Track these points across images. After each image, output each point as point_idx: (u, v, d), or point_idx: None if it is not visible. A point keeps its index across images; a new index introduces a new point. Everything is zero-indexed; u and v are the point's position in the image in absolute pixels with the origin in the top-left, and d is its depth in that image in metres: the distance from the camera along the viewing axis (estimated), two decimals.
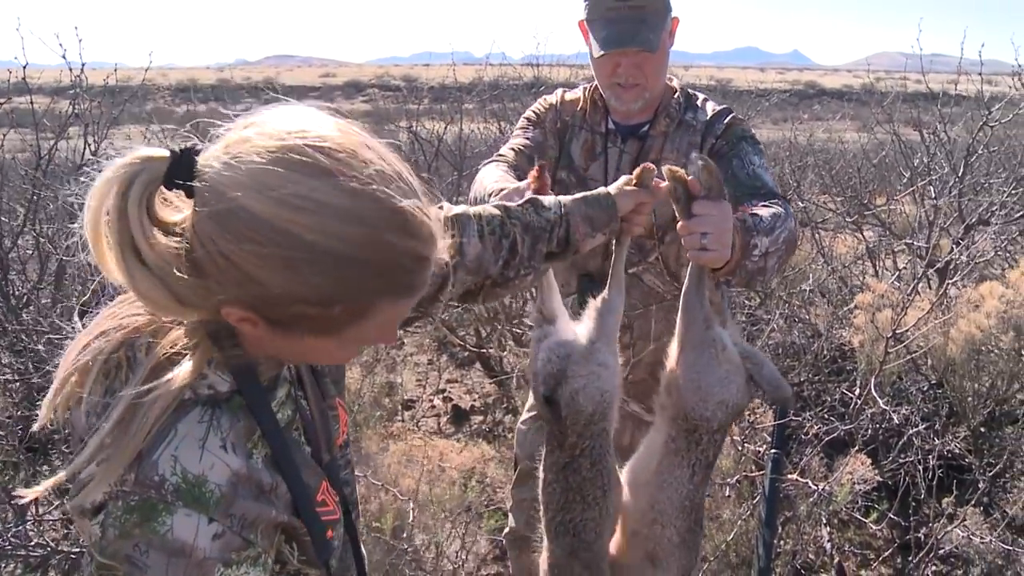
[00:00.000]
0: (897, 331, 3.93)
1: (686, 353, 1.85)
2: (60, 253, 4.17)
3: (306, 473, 1.17)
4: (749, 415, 4.03)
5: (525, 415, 2.72)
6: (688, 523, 1.90)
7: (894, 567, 3.73)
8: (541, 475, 1.91)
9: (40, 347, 3.63)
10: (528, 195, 1.79)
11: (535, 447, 2.06)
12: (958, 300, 4.54)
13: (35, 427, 1.09)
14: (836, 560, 3.64)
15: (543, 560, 1.95)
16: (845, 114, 13.55)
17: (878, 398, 3.85)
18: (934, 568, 3.60)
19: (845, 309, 5.12)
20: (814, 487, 3.46)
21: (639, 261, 2.38)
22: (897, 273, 5.49)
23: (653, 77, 2.29)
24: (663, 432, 1.90)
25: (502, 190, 1.97)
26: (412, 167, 1.07)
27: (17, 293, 4.13)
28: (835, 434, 3.90)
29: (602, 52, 2.22)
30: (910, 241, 5.77)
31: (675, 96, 2.41)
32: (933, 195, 5.62)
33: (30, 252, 4.49)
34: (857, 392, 4.23)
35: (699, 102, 2.42)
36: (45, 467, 3.48)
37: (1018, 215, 5.57)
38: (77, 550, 2.81)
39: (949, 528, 3.48)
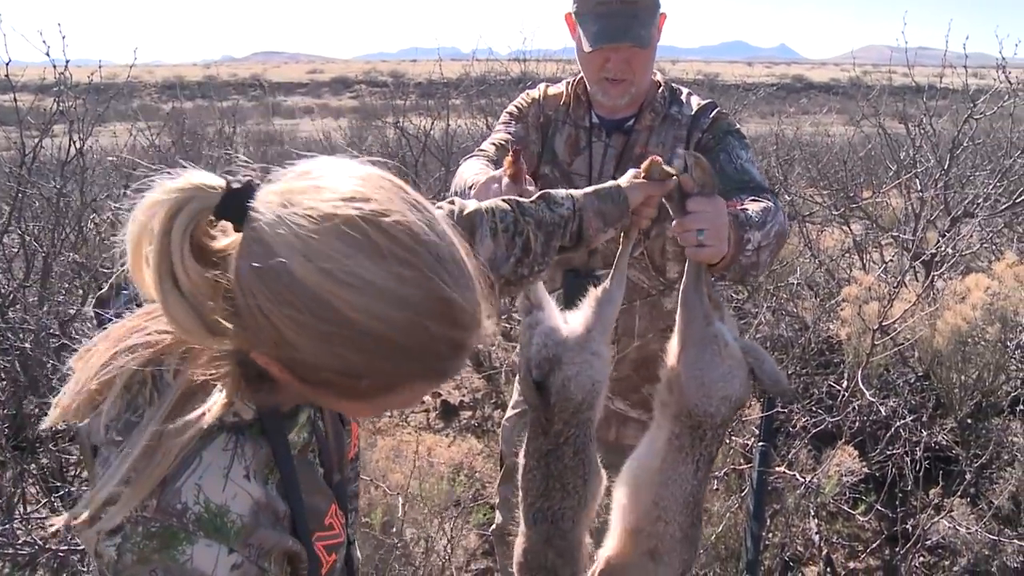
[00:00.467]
0: (884, 323, 3.95)
1: (688, 350, 1.85)
2: (45, 251, 4.15)
3: (317, 497, 1.17)
4: None
5: (511, 411, 2.71)
6: (691, 519, 1.90)
7: (882, 558, 3.76)
8: (522, 461, 1.90)
9: (27, 345, 3.62)
10: (505, 181, 1.78)
11: (521, 443, 2.06)
12: (944, 292, 4.57)
13: (43, 425, 1.08)
14: (824, 552, 3.66)
15: (518, 544, 1.95)
16: (832, 107, 13.62)
17: (865, 390, 3.87)
18: (921, 559, 3.63)
19: (832, 302, 5.14)
20: (802, 479, 3.48)
21: None
22: (884, 266, 5.52)
23: (641, 72, 2.29)
24: (666, 429, 1.90)
25: (483, 182, 1.96)
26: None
27: (3, 291, 4.10)
28: (823, 426, 3.92)
29: (593, 48, 2.21)
30: (897, 234, 5.80)
31: (660, 91, 2.40)
32: (919, 188, 5.65)
33: (16, 250, 4.46)
34: (844, 384, 4.25)
35: (684, 96, 2.42)
36: (33, 465, 3.47)
37: (1003, 207, 5.60)
38: (65, 548, 2.80)
39: (936, 519, 3.50)
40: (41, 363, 3.60)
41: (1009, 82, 5.42)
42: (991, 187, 5.52)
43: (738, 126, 2.37)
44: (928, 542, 3.52)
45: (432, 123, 7.56)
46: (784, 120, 9.00)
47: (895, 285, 4.44)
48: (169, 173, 0.99)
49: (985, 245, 5.96)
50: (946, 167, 5.43)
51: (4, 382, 3.83)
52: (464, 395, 5.62)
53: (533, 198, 1.60)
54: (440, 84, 8.30)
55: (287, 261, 0.90)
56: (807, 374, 4.91)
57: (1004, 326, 4.14)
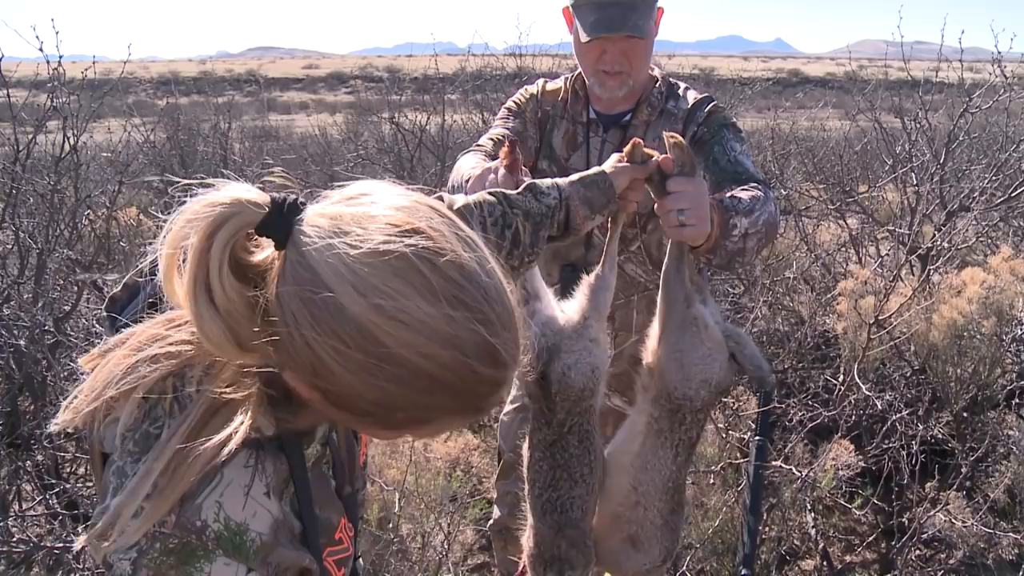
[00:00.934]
0: (880, 317, 3.95)
1: (668, 332, 1.84)
2: (40, 247, 4.13)
3: (329, 510, 1.16)
4: (733, 402, 4.05)
5: (508, 407, 2.71)
6: (671, 504, 1.90)
7: (878, 552, 3.76)
8: (527, 454, 1.90)
9: (22, 343, 3.61)
10: (501, 172, 1.78)
11: (518, 438, 2.06)
12: (940, 286, 4.57)
13: (52, 427, 1.05)
14: (821, 546, 3.67)
15: (528, 537, 1.95)
16: (828, 102, 13.61)
17: (861, 384, 3.87)
18: (918, 552, 3.63)
19: (828, 296, 5.14)
20: (798, 473, 3.48)
21: (621, 251, 2.37)
22: (880, 260, 5.51)
23: (638, 65, 2.29)
24: (645, 413, 1.89)
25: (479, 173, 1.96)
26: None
27: None
28: (819, 420, 3.92)
29: (590, 37, 2.20)
30: (892, 228, 5.80)
31: (657, 85, 2.40)
32: (915, 182, 5.66)
33: (10, 247, 4.45)
34: (841, 379, 4.25)
35: (680, 91, 2.42)
36: (28, 463, 3.46)
37: (999, 201, 5.60)
38: (61, 546, 2.79)
39: (932, 512, 3.50)
40: (35, 360, 3.59)
41: (1005, 76, 5.43)
42: (987, 181, 5.52)
43: (734, 120, 2.38)
44: (924, 535, 3.52)
45: (428, 118, 7.54)
46: (780, 114, 9.01)
47: (891, 279, 4.44)
48: (212, 184, 0.97)
49: (981, 239, 5.96)
50: (942, 161, 5.44)
51: None
52: None
53: (519, 189, 1.60)
54: (436, 79, 8.28)
55: (337, 293, 0.89)
56: (803, 368, 4.91)
57: (1000, 320, 4.14)
